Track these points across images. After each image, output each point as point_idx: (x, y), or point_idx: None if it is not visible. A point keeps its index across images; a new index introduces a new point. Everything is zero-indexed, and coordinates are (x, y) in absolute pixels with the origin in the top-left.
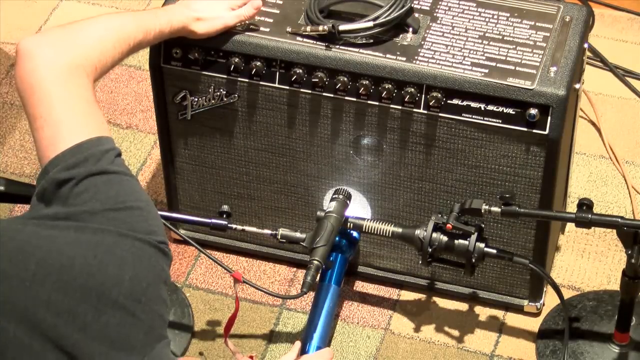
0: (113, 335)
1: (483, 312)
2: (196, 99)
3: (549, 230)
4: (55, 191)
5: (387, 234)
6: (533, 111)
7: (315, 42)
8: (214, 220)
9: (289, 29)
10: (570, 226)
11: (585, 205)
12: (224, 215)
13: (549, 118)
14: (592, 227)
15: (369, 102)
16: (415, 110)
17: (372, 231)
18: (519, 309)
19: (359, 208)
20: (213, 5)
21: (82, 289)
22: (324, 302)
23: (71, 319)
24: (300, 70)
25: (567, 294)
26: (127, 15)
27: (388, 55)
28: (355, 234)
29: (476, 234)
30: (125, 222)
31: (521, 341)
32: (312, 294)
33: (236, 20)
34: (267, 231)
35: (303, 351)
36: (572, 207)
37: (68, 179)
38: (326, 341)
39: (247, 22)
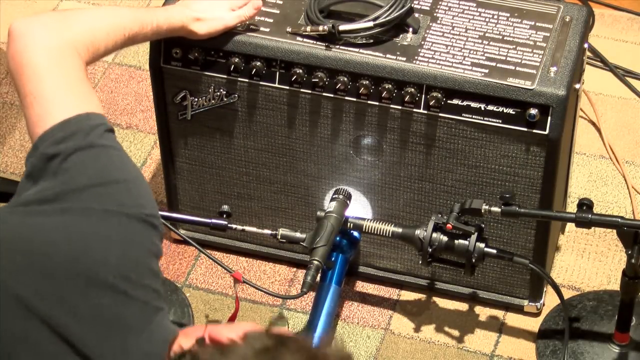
0: (107, 316)
1: (483, 312)
2: (196, 99)
3: (549, 230)
4: (44, 167)
5: (387, 234)
6: (533, 111)
7: (315, 42)
8: (214, 220)
9: (289, 29)
10: (570, 226)
11: (585, 205)
12: (224, 215)
13: (549, 118)
14: (592, 227)
15: (369, 102)
16: (415, 110)
17: (372, 231)
18: (519, 309)
19: (359, 208)
20: (213, 6)
21: (68, 274)
22: (324, 302)
23: (60, 305)
24: (300, 70)
25: (567, 294)
26: (123, 8)
27: (388, 55)
28: (356, 234)
29: (476, 234)
30: (112, 197)
31: (521, 341)
32: (312, 294)
33: (237, 21)
34: (267, 231)
35: None
36: (572, 207)
37: (56, 154)
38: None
39: (247, 22)
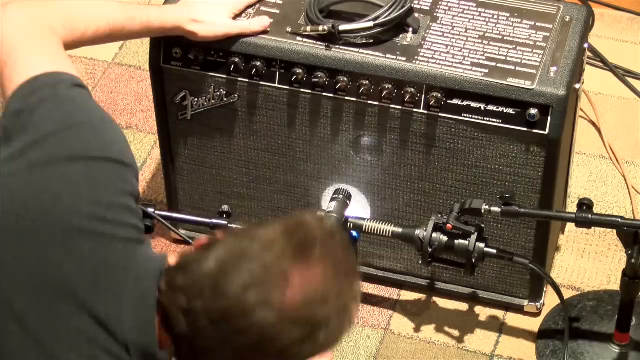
0: (94, 261)
1: (483, 312)
2: (196, 99)
3: (549, 230)
4: (15, 123)
5: (387, 234)
6: (533, 111)
7: (315, 42)
8: (214, 220)
9: (289, 29)
10: (570, 226)
11: (585, 205)
12: (224, 215)
13: (549, 118)
14: (592, 227)
15: (369, 102)
16: (415, 110)
17: (372, 231)
18: (519, 309)
19: (359, 207)
20: (213, 9)
21: (43, 230)
22: None
23: (45, 262)
24: (300, 70)
25: (567, 294)
26: (115, 1)
27: (388, 55)
28: (354, 233)
29: (476, 234)
30: (75, 140)
31: (521, 341)
32: None
33: (239, 32)
34: None
35: None
36: (572, 207)
37: (23, 109)
38: None
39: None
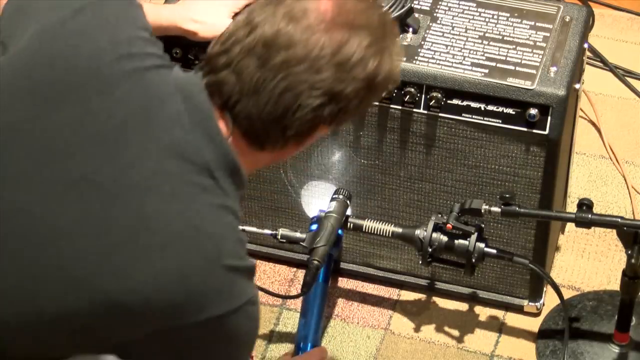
0: (138, 98)
1: (483, 312)
2: None
3: (549, 230)
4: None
5: (387, 234)
6: (533, 111)
7: None
8: None
9: None
10: (570, 226)
11: (585, 205)
12: None
13: (549, 118)
14: (592, 227)
15: None
16: (415, 110)
17: (372, 231)
18: (519, 309)
19: (359, 208)
20: (214, 9)
21: (78, 86)
22: (314, 301)
23: (94, 115)
24: None
25: (567, 294)
26: None
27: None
28: (339, 230)
29: (476, 234)
30: None
31: (521, 341)
32: None
33: None
34: (267, 231)
35: (297, 351)
36: (572, 207)
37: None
38: (319, 339)
39: None
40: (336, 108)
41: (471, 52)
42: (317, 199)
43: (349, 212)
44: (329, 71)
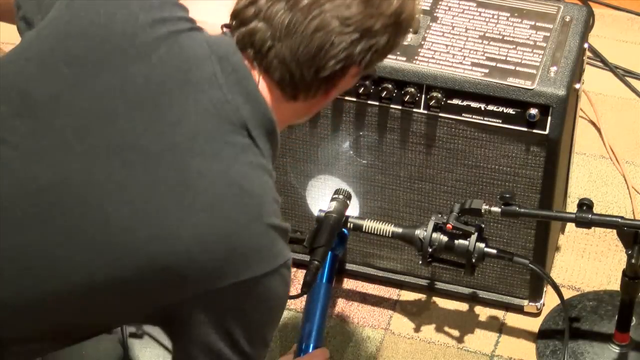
0: (175, 61)
1: (483, 312)
2: None
3: (549, 230)
4: None
5: (387, 234)
6: (533, 111)
7: None
8: None
9: None
10: (570, 226)
11: (585, 205)
12: None
13: (549, 118)
14: (592, 227)
15: (369, 102)
16: (415, 110)
17: (372, 231)
18: (519, 309)
19: (359, 208)
20: (214, 9)
21: (116, 53)
22: (317, 301)
23: (133, 80)
24: None
25: (567, 294)
26: None
27: (388, 55)
28: (344, 230)
29: (476, 234)
30: None
31: (521, 341)
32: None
33: None
34: None
35: (299, 352)
36: (572, 207)
37: None
38: (322, 340)
39: None
40: (367, 45)
41: (471, 52)
42: (318, 199)
43: (356, 212)
44: (358, 7)
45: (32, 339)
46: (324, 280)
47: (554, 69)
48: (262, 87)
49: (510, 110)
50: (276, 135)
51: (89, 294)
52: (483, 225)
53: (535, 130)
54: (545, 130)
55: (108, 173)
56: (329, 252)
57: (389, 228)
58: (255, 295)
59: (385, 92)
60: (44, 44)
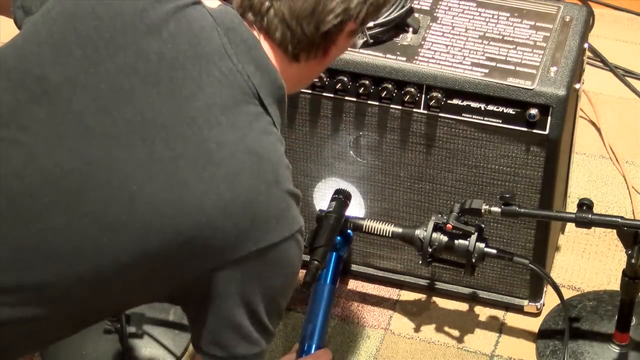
0: (184, 35)
1: (483, 312)
2: None
3: (549, 230)
4: None
5: (387, 234)
6: (533, 111)
7: None
8: None
9: None
10: (570, 226)
11: (585, 205)
12: None
13: (549, 118)
14: (592, 227)
15: (369, 102)
16: (415, 110)
17: (372, 231)
18: (519, 309)
19: (359, 208)
20: None
21: (126, 31)
22: (320, 302)
23: (146, 54)
24: None
25: (567, 294)
26: None
27: (388, 55)
28: (349, 231)
29: (476, 234)
30: None
31: (521, 341)
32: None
33: None
34: None
35: (301, 352)
36: (572, 207)
37: None
38: (324, 341)
39: None
40: None
41: (471, 52)
42: (318, 199)
43: (361, 213)
44: None
45: (46, 318)
46: (328, 282)
47: (554, 69)
48: (267, 51)
49: (510, 110)
50: (285, 103)
51: (116, 274)
52: (483, 225)
53: (535, 130)
54: (545, 130)
55: (129, 152)
56: (334, 254)
57: (389, 228)
58: (274, 262)
59: (385, 92)
60: (52, 28)
